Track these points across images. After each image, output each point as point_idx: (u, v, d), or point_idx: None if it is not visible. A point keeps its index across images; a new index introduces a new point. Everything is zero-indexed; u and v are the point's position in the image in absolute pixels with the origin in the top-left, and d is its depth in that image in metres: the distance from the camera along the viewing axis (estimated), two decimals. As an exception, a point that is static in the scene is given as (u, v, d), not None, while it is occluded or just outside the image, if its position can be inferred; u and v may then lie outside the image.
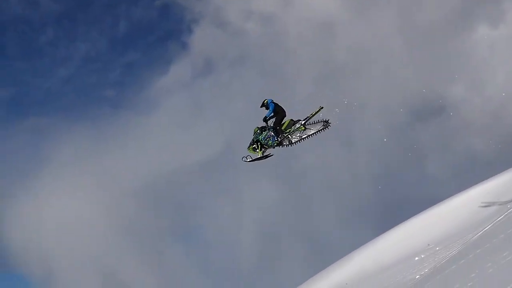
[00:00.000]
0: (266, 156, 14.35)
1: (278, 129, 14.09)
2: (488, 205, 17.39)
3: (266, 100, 14.15)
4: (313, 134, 14.04)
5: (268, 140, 14.06)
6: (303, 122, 14.25)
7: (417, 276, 9.32)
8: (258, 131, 14.18)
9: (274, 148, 14.24)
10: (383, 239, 18.94)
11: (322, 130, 14.01)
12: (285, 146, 14.22)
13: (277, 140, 14.05)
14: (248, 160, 14.55)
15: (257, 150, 14.17)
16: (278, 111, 14.12)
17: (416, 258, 12.73)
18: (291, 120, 14.30)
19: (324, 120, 14.20)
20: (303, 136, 14.04)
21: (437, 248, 12.89)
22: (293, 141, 14.17)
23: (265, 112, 14.36)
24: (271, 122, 14.21)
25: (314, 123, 14.26)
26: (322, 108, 14.66)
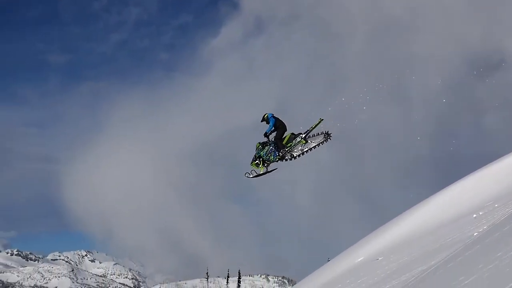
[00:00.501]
0: (270, 171, 14.38)
1: (279, 143, 14.06)
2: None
3: (266, 115, 14.06)
4: (314, 146, 14.01)
5: (270, 156, 14.10)
6: (303, 135, 14.24)
7: (475, 233, 9.30)
8: (260, 146, 14.18)
9: (276, 162, 14.24)
10: (440, 196, 18.79)
11: (324, 143, 14.00)
12: (288, 160, 14.22)
13: (279, 155, 14.08)
14: (251, 176, 14.63)
15: (260, 166, 14.20)
16: (278, 126, 14.07)
17: (474, 216, 12.61)
18: (292, 134, 14.33)
19: (325, 132, 14.19)
20: (305, 150, 14.04)
21: (496, 205, 12.72)
22: (295, 155, 14.16)
23: (266, 127, 14.35)
24: (272, 137, 14.19)
25: (315, 135, 14.26)
26: (322, 120, 14.72)
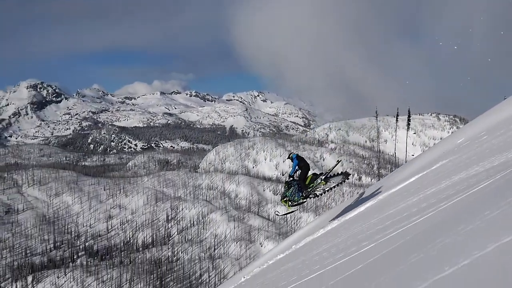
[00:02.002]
0: (294, 211, 15.55)
1: (302, 184, 14.84)
2: None
3: (291, 155, 15.17)
4: (334, 186, 14.72)
5: (294, 196, 14.89)
6: (323, 177, 14.99)
7: None
8: (286, 186, 15.10)
9: (301, 202, 15.17)
10: None
11: (343, 182, 14.56)
12: (311, 198, 14.95)
13: (302, 195, 14.89)
14: (281, 214, 16.55)
15: (288, 205, 15.03)
16: (301, 166, 14.86)
17: None
18: (314, 174, 15.18)
19: (343, 172, 15.05)
20: (326, 189, 14.68)
21: None
22: (318, 194, 14.87)
23: (291, 164, 15.55)
24: (297, 176, 15.19)
25: (335, 175, 14.94)
26: (339, 161, 17.23)
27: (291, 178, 15.21)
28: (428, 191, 8.31)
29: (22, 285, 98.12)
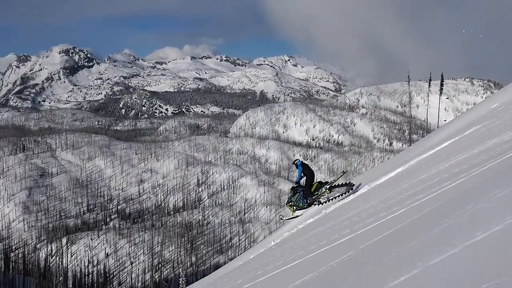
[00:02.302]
0: (298, 216, 15.90)
1: (307, 191, 15.18)
2: None
3: (296, 161, 15.50)
4: (338, 196, 14.72)
5: (299, 202, 15.29)
6: (328, 186, 15.08)
7: None
8: (291, 192, 15.43)
9: (305, 208, 15.52)
10: None
11: (346, 193, 14.52)
12: (316, 205, 15.23)
13: (307, 202, 15.21)
14: (285, 218, 17.14)
15: (292, 209, 15.50)
16: (306, 173, 15.16)
17: None
18: (319, 182, 15.35)
19: (347, 183, 14.98)
20: (330, 197, 14.81)
21: None
22: (322, 202, 15.05)
23: (296, 170, 16.16)
24: (303, 182, 15.40)
25: (339, 185, 14.94)
26: (344, 172, 18.98)
27: (297, 184, 15.60)
28: (460, 156, 8.22)
29: (57, 247, 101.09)
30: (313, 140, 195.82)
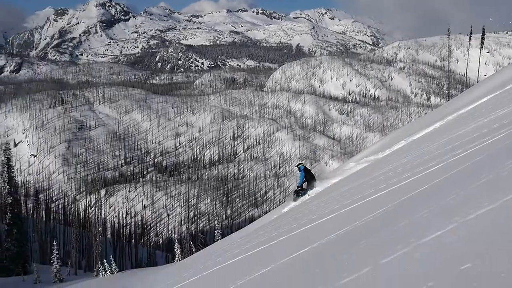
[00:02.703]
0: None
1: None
2: None
3: (299, 166, 15.84)
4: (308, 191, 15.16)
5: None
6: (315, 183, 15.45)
7: None
8: (295, 195, 15.69)
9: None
10: None
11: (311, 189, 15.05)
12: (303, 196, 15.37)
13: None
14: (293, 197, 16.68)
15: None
16: (308, 179, 15.54)
17: None
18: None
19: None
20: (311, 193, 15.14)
21: None
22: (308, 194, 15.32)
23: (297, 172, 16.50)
24: (305, 185, 15.65)
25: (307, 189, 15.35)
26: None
27: (299, 188, 15.90)
28: (500, 112, 7.98)
29: (95, 198, 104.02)
30: (349, 94, 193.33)
